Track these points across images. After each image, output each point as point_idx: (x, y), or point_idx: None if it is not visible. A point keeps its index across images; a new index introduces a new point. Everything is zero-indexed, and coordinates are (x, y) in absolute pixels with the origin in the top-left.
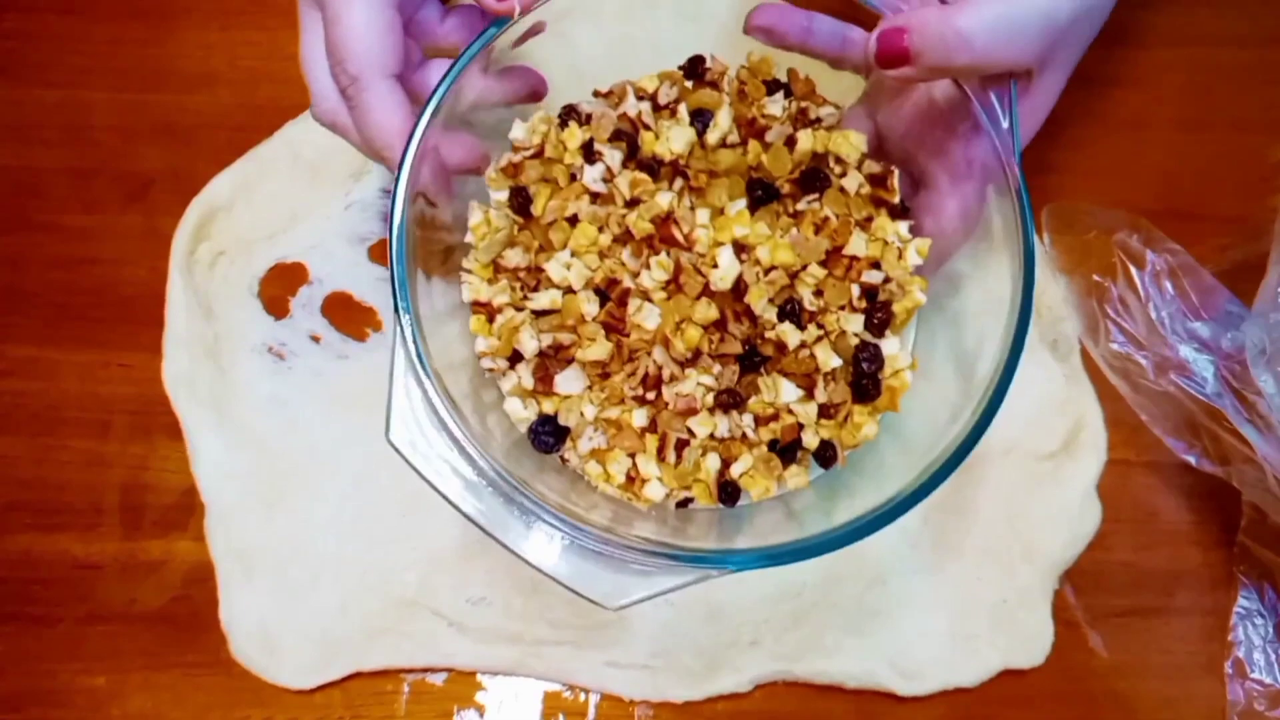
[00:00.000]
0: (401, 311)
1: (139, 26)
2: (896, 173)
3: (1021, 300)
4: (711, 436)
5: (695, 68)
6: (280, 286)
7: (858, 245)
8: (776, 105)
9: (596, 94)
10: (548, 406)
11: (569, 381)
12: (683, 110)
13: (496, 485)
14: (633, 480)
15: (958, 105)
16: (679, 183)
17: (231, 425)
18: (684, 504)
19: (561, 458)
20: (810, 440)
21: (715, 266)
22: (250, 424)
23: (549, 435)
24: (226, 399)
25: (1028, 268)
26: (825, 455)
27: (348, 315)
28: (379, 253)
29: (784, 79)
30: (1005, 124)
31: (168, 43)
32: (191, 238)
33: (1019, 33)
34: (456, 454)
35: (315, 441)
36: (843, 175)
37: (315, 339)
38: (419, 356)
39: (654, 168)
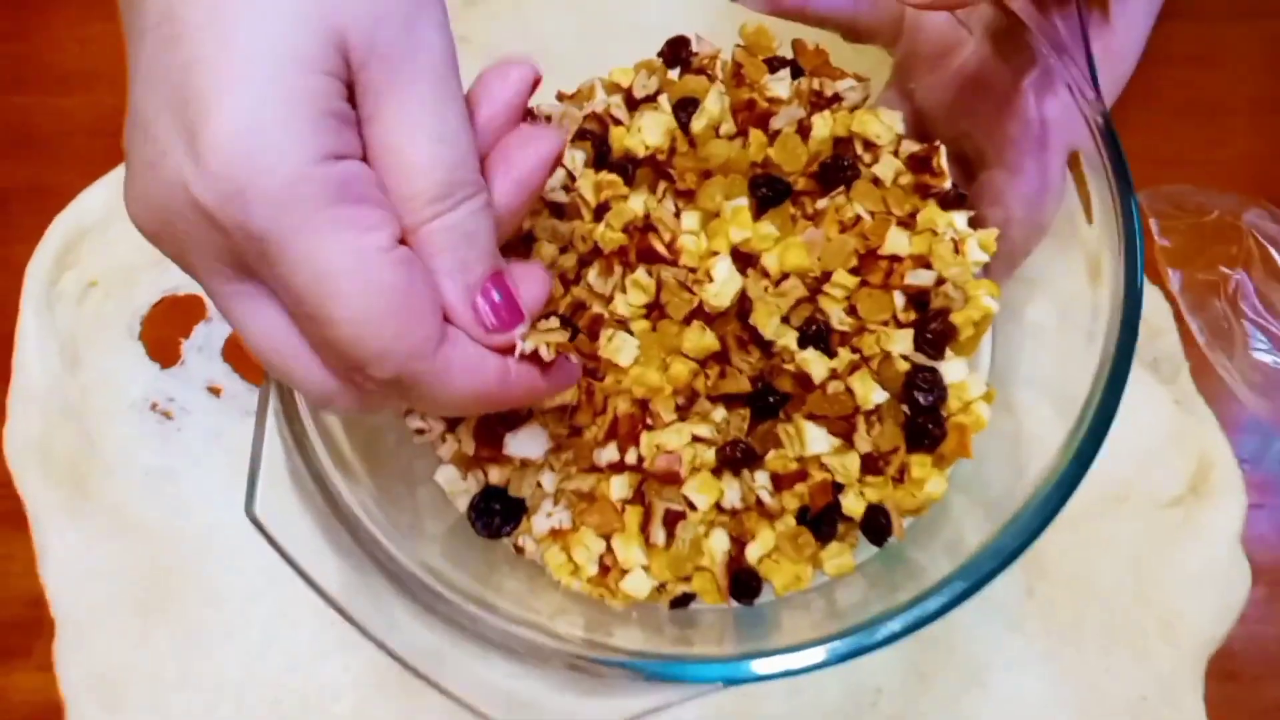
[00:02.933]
0: None
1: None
2: (943, 149)
3: (1125, 291)
4: (717, 507)
5: (678, 53)
6: (170, 325)
7: (898, 242)
8: (782, 85)
9: (561, 96)
10: (496, 477)
11: (525, 443)
12: (663, 101)
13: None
14: (608, 571)
15: (1016, 50)
16: (662, 186)
17: (97, 508)
18: (682, 602)
19: (516, 545)
20: (853, 506)
21: (710, 281)
22: (124, 505)
23: (494, 515)
24: (92, 473)
25: (1129, 247)
26: (875, 525)
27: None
28: None
29: (789, 55)
30: (1082, 66)
31: (34, 36)
32: (54, 265)
33: None
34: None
35: (212, 525)
36: (874, 163)
37: (214, 391)
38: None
39: (626, 169)
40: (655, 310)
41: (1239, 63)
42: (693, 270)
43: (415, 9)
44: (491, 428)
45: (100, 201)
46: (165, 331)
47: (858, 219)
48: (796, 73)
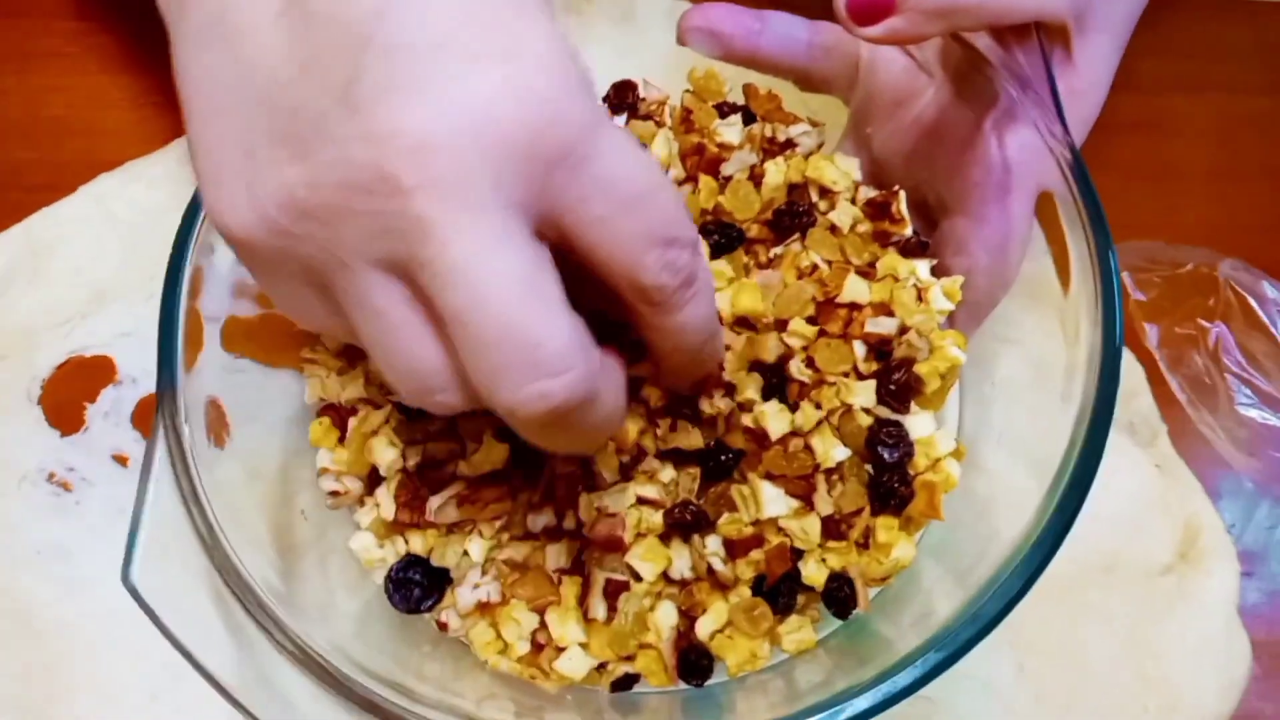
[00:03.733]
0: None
1: None
2: (902, 194)
3: (1104, 335)
4: (664, 577)
5: (624, 98)
6: (73, 389)
7: (857, 289)
8: (733, 130)
9: None
10: (418, 545)
11: (452, 507)
12: None
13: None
14: (541, 649)
15: (978, 88)
16: None
17: None
18: (624, 684)
19: (438, 622)
20: (814, 574)
21: None
22: (7, 588)
23: (414, 586)
24: None
25: (1106, 289)
26: (838, 595)
27: None
28: (231, 336)
29: (740, 101)
30: (1046, 101)
31: None
32: None
33: None
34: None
35: (111, 610)
36: (830, 210)
37: (120, 460)
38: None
39: None
40: None
41: (1189, 132)
42: None
43: None
44: (415, 489)
45: (2, 259)
46: (68, 396)
47: (814, 268)
48: (748, 119)
